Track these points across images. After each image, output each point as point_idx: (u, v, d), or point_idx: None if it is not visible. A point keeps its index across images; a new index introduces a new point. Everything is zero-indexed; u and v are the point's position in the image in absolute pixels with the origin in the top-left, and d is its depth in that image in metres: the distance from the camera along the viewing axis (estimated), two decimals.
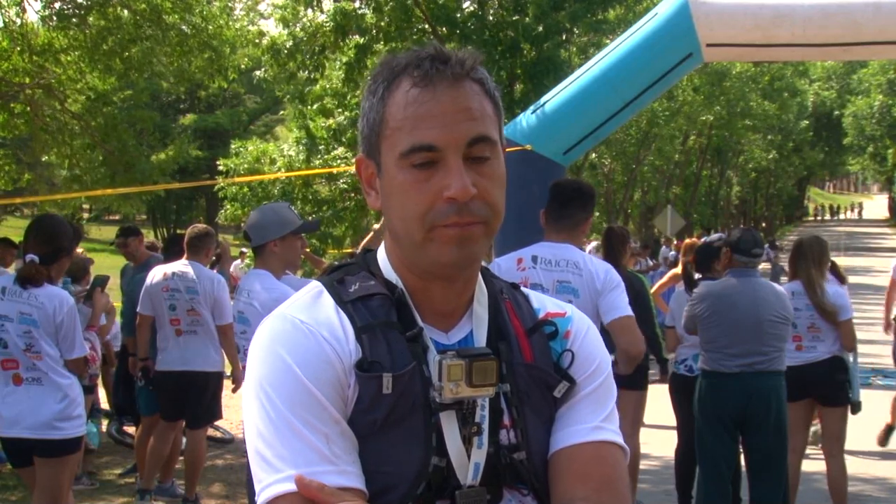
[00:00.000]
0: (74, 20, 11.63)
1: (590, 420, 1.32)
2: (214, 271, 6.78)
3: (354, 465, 1.21)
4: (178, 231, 9.03)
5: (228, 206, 18.66)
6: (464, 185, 1.22)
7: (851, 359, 5.86)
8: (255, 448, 1.22)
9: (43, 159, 14.31)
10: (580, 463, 1.29)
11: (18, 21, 11.95)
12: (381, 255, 1.36)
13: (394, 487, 1.22)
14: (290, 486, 1.17)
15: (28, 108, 12.33)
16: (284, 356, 1.23)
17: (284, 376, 1.22)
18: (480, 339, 1.32)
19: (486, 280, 1.37)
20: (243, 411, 1.27)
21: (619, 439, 1.34)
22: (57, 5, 11.69)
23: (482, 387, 1.24)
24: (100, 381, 7.88)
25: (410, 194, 1.24)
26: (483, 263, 1.39)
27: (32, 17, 12.80)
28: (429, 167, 1.23)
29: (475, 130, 1.24)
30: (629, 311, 4.04)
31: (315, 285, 1.33)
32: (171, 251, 6.75)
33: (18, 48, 11.75)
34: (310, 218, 16.58)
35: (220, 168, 18.98)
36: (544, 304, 1.42)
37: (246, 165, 18.67)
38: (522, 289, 1.44)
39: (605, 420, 1.33)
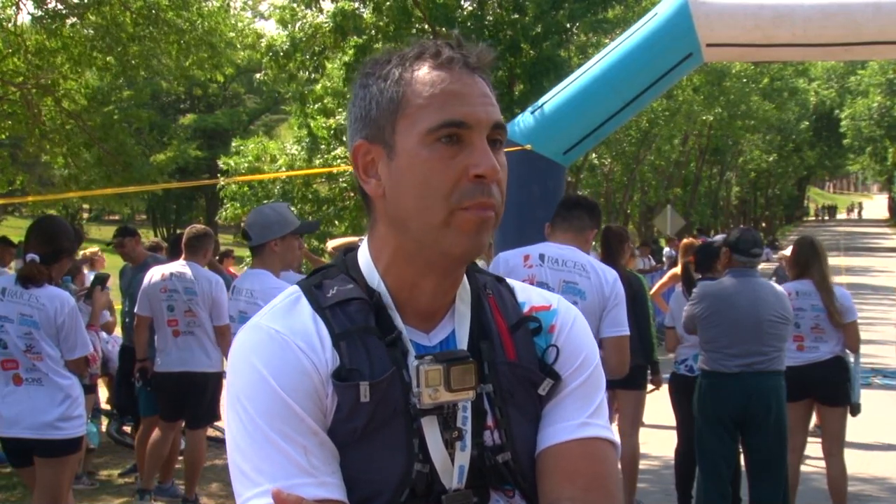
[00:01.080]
0: (69, 20, 11.61)
1: (576, 416, 1.29)
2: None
3: (334, 475, 1.19)
4: (180, 231, 9.05)
5: (228, 206, 18.65)
6: (492, 163, 1.22)
7: (853, 360, 5.86)
8: (233, 460, 1.21)
9: (43, 159, 14.28)
10: (567, 461, 1.27)
11: (13, 22, 11.93)
12: (363, 254, 1.33)
13: (377, 495, 1.21)
14: (269, 500, 1.15)
15: (24, 109, 12.29)
16: (260, 368, 1.21)
17: (260, 388, 1.20)
18: (462, 339, 1.29)
19: (469, 275, 1.35)
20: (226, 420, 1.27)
21: (608, 434, 1.31)
22: (51, 5, 11.66)
23: (461, 391, 1.22)
24: (101, 381, 7.88)
25: (435, 171, 1.22)
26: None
27: (27, 17, 12.73)
28: (455, 144, 1.22)
29: (497, 116, 1.26)
30: (628, 330, 4.11)
31: (293, 290, 1.31)
32: (176, 251, 6.73)
33: (11, 49, 11.71)
34: (309, 217, 16.61)
35: (222, 167, 18.99)
36: (530, 296, 1.39)
37: (246, 164, 18.68)
38: (508, 281, 1.41)
39: (593, 415, 1.31)
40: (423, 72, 1.25)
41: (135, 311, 6.34)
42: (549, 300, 1.39)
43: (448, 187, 1.21)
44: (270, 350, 1.22)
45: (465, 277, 1.34)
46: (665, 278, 8.88)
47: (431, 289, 1.29)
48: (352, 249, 1.37)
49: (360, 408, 1.21)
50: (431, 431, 1.23)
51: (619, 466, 6.42)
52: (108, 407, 8.08)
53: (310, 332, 1.24)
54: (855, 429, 6.42)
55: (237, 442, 1.21)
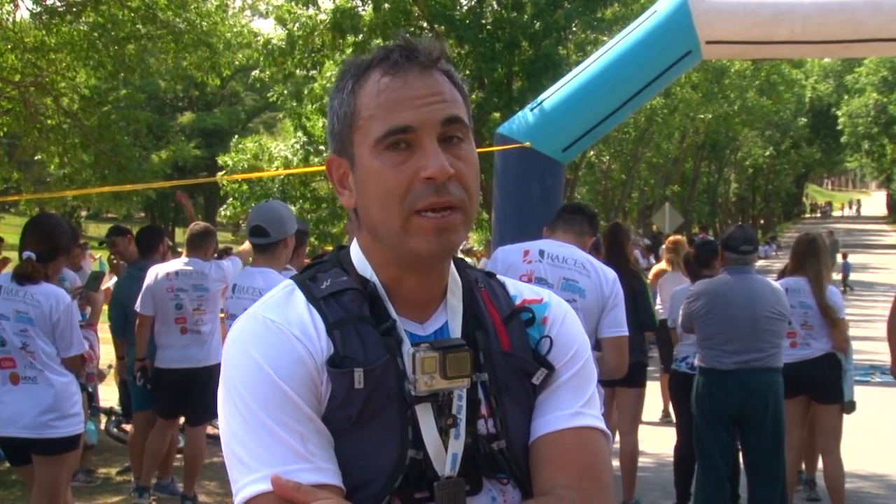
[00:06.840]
0: (68, 17, 11.56)
1: (569, 406, 1.32)
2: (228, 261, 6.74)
3: (330, 461, 1.21)
4: (164, 227, 9.04)
5: (229, 204, 18.66)
6: (441, 164, 1.23)
7: (845, 358, 5.84)
8: (230, 449, 1.23)
9: (37, 158, 14.20)
10: (560, 450, 1.29)
11: (11, 19, 11.88)
12: (355, 250, 1.36)
13: (371, 481, 1.23)
14: (266, 486, 1.18)
15: (21, 107, 12.23)
16: (256, 356, 1.23)
17: (257, 376, 1.22)
18: (456, 329, 1.31)
19: (460, 270, 1.37)
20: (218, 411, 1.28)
21: (600, 424, 1.34)
22: (49, 2, 11.61)
23: (457, 378, 1.24)
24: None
25: (387, 178, 1.24)
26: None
27: (25, 14, 12.65)
28: (404, 150, 1.24)
29: (448, 111, 1.26)
30: (627, 330, 4.12)
31: (287, 283, 1.34)
32: (145, 247, 6.65)
33: (10, 46, 11.67)
34: (308, 217, 16.64)
35: (221, 164, 19.01)
36: (521, 290, 1.42)
37: (244, 163, 18.68)
38: (498, 277, 1.43)
39: (585, 405, 1.33)
40: (372, 82, 1.27)
41: (137, 310, 6.17)
42: (539, 294, 1.42)
43: (401, 193, 1.24)
44: (266, 339, 1.24)
45: (455, 273, 1.36)
46: (650, 275, 8.95)
47: (416, 284, 1.31)
48: (343, 247, 1.40)
49: (355, 394, 1.23)
50: (426, 419, 1.25)
51: (618, 462, 6.33)
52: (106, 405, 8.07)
53: (305, 322, 1.26)
54: (853, 426, 6.42)
55: (233, 430, 1.22)
